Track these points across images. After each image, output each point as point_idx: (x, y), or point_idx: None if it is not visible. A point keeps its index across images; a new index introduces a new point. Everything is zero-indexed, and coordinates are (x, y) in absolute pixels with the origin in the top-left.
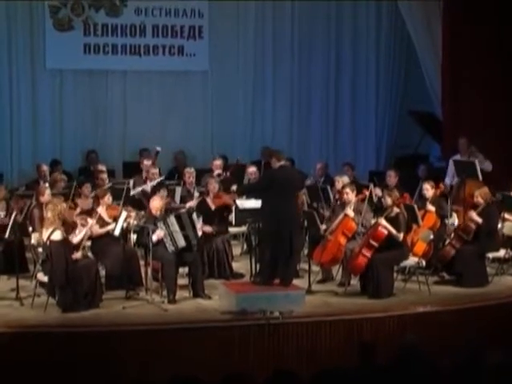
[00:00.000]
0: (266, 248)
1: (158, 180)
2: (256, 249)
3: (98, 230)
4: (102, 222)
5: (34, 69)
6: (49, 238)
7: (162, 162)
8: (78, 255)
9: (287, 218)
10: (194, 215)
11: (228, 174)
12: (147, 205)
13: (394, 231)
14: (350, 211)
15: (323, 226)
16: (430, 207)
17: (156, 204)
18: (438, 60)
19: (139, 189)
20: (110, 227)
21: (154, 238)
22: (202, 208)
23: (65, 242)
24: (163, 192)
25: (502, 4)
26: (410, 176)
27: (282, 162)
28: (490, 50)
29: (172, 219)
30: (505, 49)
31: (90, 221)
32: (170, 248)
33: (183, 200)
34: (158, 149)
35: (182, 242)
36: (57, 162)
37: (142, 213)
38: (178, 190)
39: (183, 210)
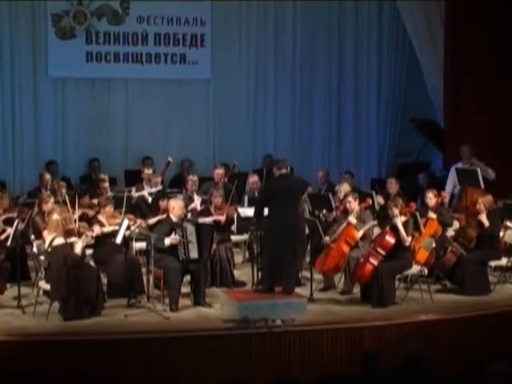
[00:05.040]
0: (268, 256)
1: (156, 189)
2: (258, 257)
3: (104, 230)
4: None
5: (37, 77)
6: (50, 245)
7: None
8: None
9: (288, 226)
10: (215, 233)
11: (226, 179)
12: (147, 213)
13: (404, 233)
14: (352, 219)
15: (327, 238)
16: (432, 215)
17: (178, 205)
18: (439, 67)
19: (137, 194)
20: (116, 227)
21: (167, 241)
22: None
23: (66, 247)
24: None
25: (505, 6)
26: (411, 184)
27: (284, 171)
28: (493, 56)
29: (192, 228)
30: (509, 53)
31: (94, 230)
32: (181, 256)
33: (185, 208)
34: (170, 159)
35: (194, 254)
36: (51, 162)
37: (143, 222)
38: (180, 198)
39: (208, 222)
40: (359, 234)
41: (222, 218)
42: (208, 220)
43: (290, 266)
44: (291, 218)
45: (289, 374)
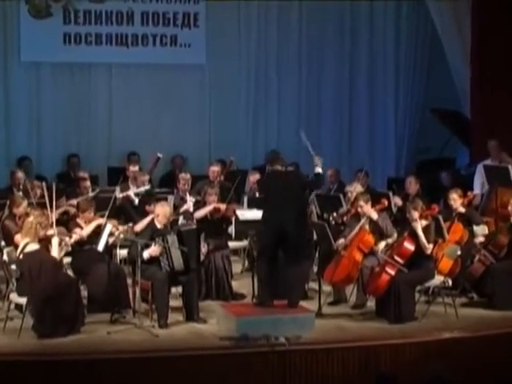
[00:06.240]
0: (264, 263)
1: (143, 189)
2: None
3: (84, 232)
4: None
5: (7, 62)
6: (23, 251)
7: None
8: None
9: (285, 228)
10: (202, 236)
11: (222, 178)
12: (134, 216)
13: (424, 240)
14: (366, 224)
15: (341, 240)
16: (461, 209)
17: (166, 211)
18: (466, 55)
19: (122, 194)
20: (100, 220)
21: (146, 254)
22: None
23: (41, 253)
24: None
25: None
26: (433, 183)
27: (278, 167)
28: None
29: (173, 237)
30: None
31: (74, 236)
32: (165, 268)
33: (176, 209)
34: (160, 155)
35: (179, 265)
36: (24, 158)
37: (129, 225)
38: (171, 199)
39: (192, 227)
40: (381, 245)
41: (222, 206)
42: (206, 210)
43: (293, 277)
44: (288, 219)
45: None
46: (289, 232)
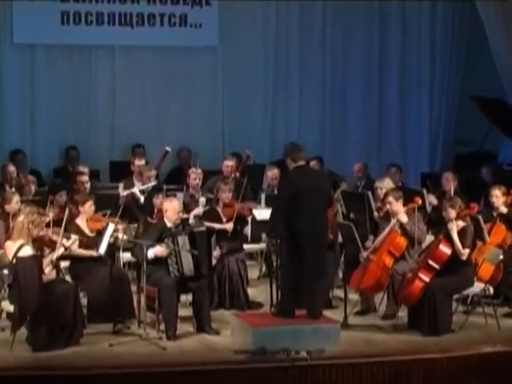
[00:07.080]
0: (286, 270)
1: (149, 185)
2: (277, 271)
3: (77, 250)
4: (82, 237)
5: None
6: (16, 255)
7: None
8: (50, 274)
9: (309, 231)
10: (213, 239)
11: (237, 173)
12: (139, 216)
13: (459, 244)
14: (397, 224)
15: (369, 242)
16: (503, 209)
17: (174, 205)
18: (510, 41)
19: (126, 192)
20: (93, 253)
21: (151, 253)
22: (211, 219)
23: (36, 259)
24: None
25: None
26: (473, 179)
27: (301, 163)
28: None
29: (184, 238)
30: None
31: (72, 237)
32: (174, 272)
33: (186, 208)
34: (168, 149)
35: (189, 270)
36: (17, 151)
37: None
38: (180, 197)
39: (202, 229)
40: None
41: (229, 227)
42: (214, 254)
43: (316, 283)
44: (311, 221)
45: None
46: (318, 235)
